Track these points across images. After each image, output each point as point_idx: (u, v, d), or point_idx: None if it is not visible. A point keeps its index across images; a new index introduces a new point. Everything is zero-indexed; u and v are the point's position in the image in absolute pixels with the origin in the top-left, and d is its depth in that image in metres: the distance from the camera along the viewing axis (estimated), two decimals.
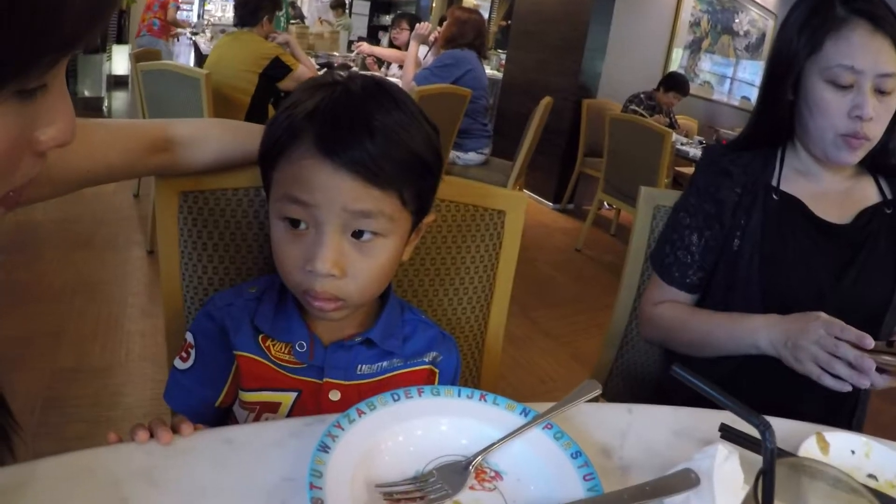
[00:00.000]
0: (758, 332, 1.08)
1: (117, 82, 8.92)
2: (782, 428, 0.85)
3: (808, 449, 0.81)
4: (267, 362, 0.85)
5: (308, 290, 0.79)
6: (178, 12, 7.67)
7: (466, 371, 1.18)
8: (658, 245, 1.31)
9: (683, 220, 1.25)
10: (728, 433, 0.78)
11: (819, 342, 0.98)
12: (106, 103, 7.53)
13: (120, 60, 9.10)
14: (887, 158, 1.21)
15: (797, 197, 1.19)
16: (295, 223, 0.78)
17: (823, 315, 1.01)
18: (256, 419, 0.86)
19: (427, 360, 0.92)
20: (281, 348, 0.85)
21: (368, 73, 5.18)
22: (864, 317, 1.13)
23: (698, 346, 1.20)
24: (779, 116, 1.20)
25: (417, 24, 4.35)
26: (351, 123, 0.76)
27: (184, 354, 0.87)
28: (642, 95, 5.11)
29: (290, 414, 0.85)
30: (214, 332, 0.86)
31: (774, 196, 1.19)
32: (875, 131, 1.11)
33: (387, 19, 11.93)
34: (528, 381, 2.69)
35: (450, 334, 0.97)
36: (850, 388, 0.97)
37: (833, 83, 1.10)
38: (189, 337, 0.88)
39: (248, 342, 0.85)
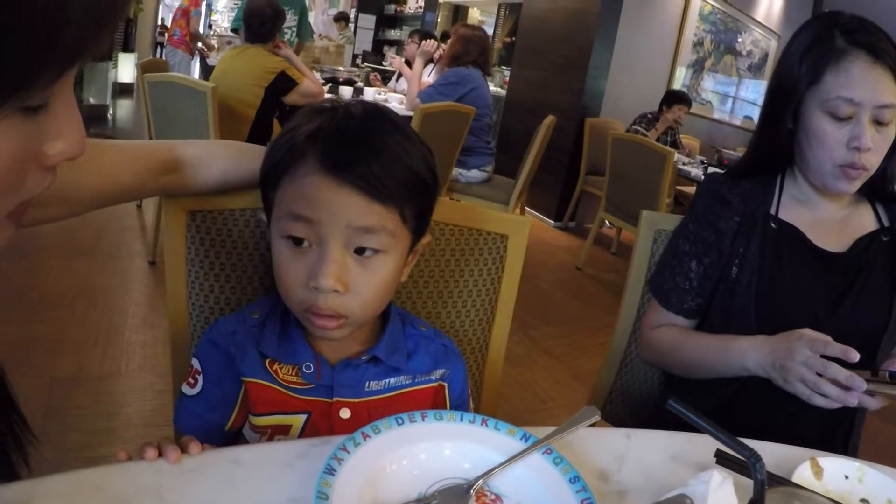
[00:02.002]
0: (745, 353, 1.10)
1: (122, 90, 8.96)
2: (777, 453, 0.87)
3: (802, 474, 0.82)
4: (276, 386, 0.85)
5: (310, 308, 0.80)
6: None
7: None
8: (657, 270, 1.33)
9: (683, 247, 1.26)
10: (723, 459, 0.79)
11: (806, 363, 0.99)
12: (111, 111, 7.56)
13: (126, 69, 9.14)
14: (885, 186, 1.22)
15: (795, 225, 1.20)
16: (298, 241, 0.80)
17: (808, 332, 1.02)
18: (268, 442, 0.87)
19: (434, 377, 0.93)
20: (288, 371, 0.86)
21: (372, 88, 5.21)
22: (860, 344, 1.13)
23: (693, 368, 1.21)
24: (778, 143, 1.21)
25: (423, 42, 4.38)
26: (354, 142, 0.78)
27: (191, 380, 0.89)
28: (649, 115, 5.12)
29: (301, 435, 0.86)
30: (220, 359, 0.87)
31: (773, 224, 1.20)
32: (873, 161, 1.12)
33: (392, 34, 12.00)
34: (527, 399, 2.69)
35: (450, 339, 0.98)
36: (839, 405, 0.98)
37: (832, 114, 1.11)
38: (195, 363, 0.89)
39: (256, 368, 0.86)
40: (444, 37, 5.83)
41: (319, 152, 0.78)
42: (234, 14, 7.53)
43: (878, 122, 1.11)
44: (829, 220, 1.22)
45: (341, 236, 0.78)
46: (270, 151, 0.84)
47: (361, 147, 0.78)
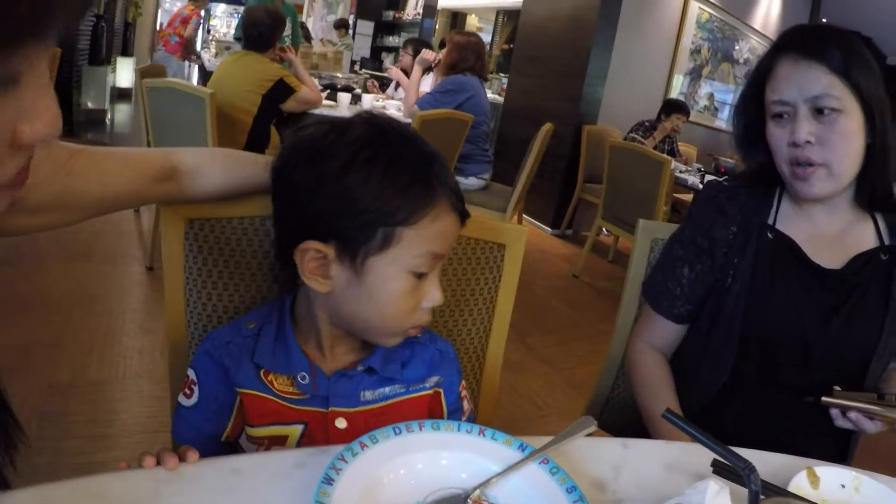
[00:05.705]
0: None
1: (121, 95, 8.96)
2: (774, 462, 0.87)
3: (799, 483, 0.82)
4: (271, 397, 0.86)
5: (415, 325, 0.87)
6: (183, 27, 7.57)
7: None
8: (651, 273, 1.33)
9: (677, 252, 1.26)
10: (720, 468, 0.80)
11: None
12: (109, 116, 7.56)
13: (124, 73, 9.15)
14: (881, 192, 1.17)
15: (791, 237, 1.18)
16: (420, 275, 0.84)
17: None
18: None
19: (429, 385, 0.94)
20: (283, 381, 0.87)
21: (370, 95, 5.21)
22: (848, 363, 1.13)
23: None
24: (762, 160, 1.22)
25: (423, 50, 4.38)
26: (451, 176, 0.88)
27: (187, 391, 0.89)
28: (647, 123, 5.13)
29: (298, 446, 0.86)
30: (215, 370, 0.87)
31: (769, 235, 1.19)
32: (824, 156, 1.10)
33: (390, 40, 12.01)
34: (523, 407, 2.69)
35: (445, 342, 0.99)
36: None
37: (774, 118, 1.15)
38: (191, 374, 0.89)
39: (250, 379, 0.86)
40: (443, 45, 5.85)
41: (446, 189, 0.84)
42: (233, 20, 7.54)
43: (819, 113, 1.10)
44: (826, 234, 1.19)
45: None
46: (403, 191, 0.81)
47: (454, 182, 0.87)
